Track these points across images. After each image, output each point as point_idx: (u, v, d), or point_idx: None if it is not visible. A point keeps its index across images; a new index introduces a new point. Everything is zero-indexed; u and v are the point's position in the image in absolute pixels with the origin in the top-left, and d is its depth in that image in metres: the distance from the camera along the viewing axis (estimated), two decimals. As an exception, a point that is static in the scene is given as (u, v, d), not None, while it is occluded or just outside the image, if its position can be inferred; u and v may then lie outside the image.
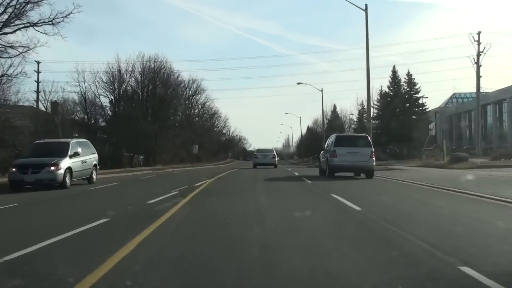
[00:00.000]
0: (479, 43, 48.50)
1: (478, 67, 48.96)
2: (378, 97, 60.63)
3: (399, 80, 60.94)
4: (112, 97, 60.84)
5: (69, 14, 25.79)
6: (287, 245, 6.07)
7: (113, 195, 14.79)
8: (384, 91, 61.23)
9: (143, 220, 8.15)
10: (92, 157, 20.87)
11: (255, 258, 5.40)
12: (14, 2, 25.48)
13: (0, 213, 10.86)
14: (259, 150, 42.96)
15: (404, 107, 59.87)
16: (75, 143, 19.76)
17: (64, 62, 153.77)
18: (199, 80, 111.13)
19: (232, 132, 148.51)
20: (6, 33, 26.03)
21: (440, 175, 21.73)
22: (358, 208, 10.00)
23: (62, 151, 18.56)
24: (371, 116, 60.80)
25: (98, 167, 21.87)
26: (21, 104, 37.48)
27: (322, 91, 63.02)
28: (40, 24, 25.84)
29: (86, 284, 4.27)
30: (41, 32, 25.97)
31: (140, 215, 9.14)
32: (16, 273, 4.76)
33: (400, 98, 59.65)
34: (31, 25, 26.01)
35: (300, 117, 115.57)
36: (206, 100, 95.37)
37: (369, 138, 21.60)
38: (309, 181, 18.39)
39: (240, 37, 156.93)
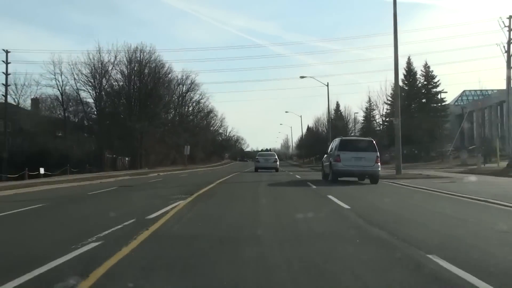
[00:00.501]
0: (510, 29, 41.17)
1: (509, 56, 41.43)
2: (392, 92, 53.63)
3: (415, 73, 54.11)
4: (94, 92, 53.69)
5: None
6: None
7: None
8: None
9: None
10: None
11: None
12: None
13: None
14: (260, 154, 41.07)
15: (420, 103, 53.05)
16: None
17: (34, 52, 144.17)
18: (193, 75, 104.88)
19: (229, 132, 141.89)
20: None
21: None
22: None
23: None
24: (385, 112, 54.15)
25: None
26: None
27: (328, 85, 56.00)
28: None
29: None
30: None
31: None
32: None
33: (416, 93, 52.81)
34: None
35: (301, 116, 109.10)
36: (201, 97, 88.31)
37: (374, 142, 20.26)
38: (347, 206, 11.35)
39: (239, 37, 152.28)
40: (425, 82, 52.75)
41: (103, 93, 54.67)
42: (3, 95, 46.90)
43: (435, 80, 52.55)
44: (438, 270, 4.62)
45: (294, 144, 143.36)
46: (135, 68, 55.54)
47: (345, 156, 19.00)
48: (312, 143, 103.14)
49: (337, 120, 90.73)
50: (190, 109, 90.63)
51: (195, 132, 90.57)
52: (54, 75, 51.51)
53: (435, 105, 51.82)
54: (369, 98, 73.41)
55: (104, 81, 53.74)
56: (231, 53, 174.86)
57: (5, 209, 10.92)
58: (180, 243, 6.19)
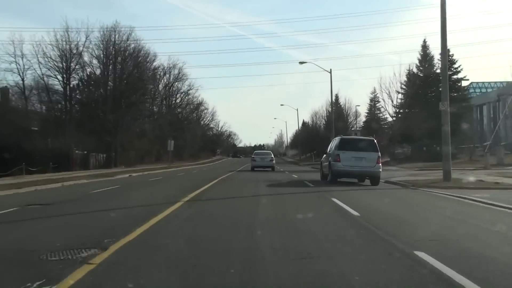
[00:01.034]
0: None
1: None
2: (405, 80, 46.39)
3: (431, 58, 46.85)
4: (62, 79, 45.81)
5: None
6: None
7: None
8: (411, 71, 46.98)
9: None
10: None
11: None
12: None
13: None
14: (256, 153, 40.37)
15: (438, 92, 45.60)
16: None
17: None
18: (180, 63, 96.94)
19: (221, 127, 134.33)
20: None
21: None
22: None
23: None
24: (399, 102, 46.79)
25: None
26: None
27: (331, 72, 48.47)
28: None
29: None
30: None
31: None
32: None
33: (432, 81, 45.44)
34: None
35: (297, 109, 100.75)
36: (189, 87, 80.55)
37: (375, 142, 19.44)
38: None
39: (232, 33, 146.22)
40: (444, 68, 45.12)
41: (74, 80, 46.91)
42: None
43: (456, 66, 45.17)
44: None
45: (289, 139, 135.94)
46: (110, 50, 47.73)
47: (345, 156, 18.30)
48: (309, 138, 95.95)
49: (336, 114, 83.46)
50: (178, 100, 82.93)
51: (183, 126, 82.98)
52: (15, 58, 43.71)
53: (455, 94, 44.48)
54: (374, 89, 66.11)
55: (74, 65, 45.87)
56: (223, 47, 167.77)
57: None
58: None
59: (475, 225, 8.01)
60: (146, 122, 58.59)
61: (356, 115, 76.38)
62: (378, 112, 64.97)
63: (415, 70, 47.60)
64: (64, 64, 45.20)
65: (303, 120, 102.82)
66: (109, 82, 46.98)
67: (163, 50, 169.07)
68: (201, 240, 6.46)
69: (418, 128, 42.12)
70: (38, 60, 43.73)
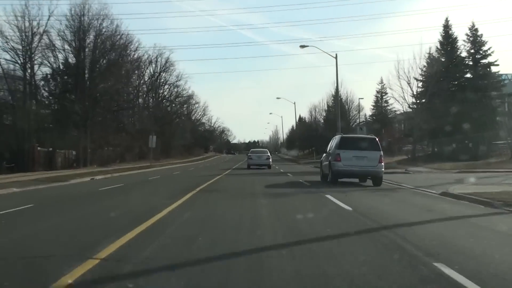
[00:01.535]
0: None
1: None
2: (425, 65, 39.32)
3: (455, 39, 39.79)
4: (21, 62, 38.45)
5: None
6: None
7: None
8: (431, 55, 39.91)
9: None
10: None
11: None
12: None
13: None
14: (253, 151, 39.43)
15: (463, 78, 38.87)
16: None
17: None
18: (167, 52, 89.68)
19: (214, 123, 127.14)
20: None
21: None
22: None
23: None
24: (417, 90, 39.64)
25: None
26: None
27: (336, 57, 41.39)
28: None
29: None
30: None
31: None
32: None
33: (457, 66, 38.58)
34: None
35: (294, 102, 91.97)
36: (178, 79, 73.21)
37: (377, 140, 18.25)
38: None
39: (225, 28, 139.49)
40: (472, 51, 38.26)
41: (41, 66, 39.63)
42: None
43: (485, 48, 38.13)
44: None
45: (285, 135, 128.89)
46: (81, 29, 40.36)
47: (345, 155, 17.35)
48: (307, 134, 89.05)
49: (336, 108, 76.39)
50: (166, 93, 75.61)
51: (171, 120, 75.77)
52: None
53: (485, 82, 37.48)
54: (381, 80, 59.10)
55: (36, 46, 38.51)
56: (215, 42, 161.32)
57: None
58: None
59: None
60: (126, 115, 51.34)
61: (359, 109, 69.47)
62: (386, 105, 58.01)
63: (435, 53, 40.56)
64: (24, 45, 37.86)
65: (299, 116, 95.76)
66: (77, 65, 39.48)
67: (151, 44, 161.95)
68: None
69: (443, 121, 35.18)
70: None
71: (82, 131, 37.29)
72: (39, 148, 37.57)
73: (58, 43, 39.78)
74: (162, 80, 74.10)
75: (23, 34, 37.62)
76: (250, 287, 4.34)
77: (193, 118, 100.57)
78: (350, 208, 10.36)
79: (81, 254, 5.41)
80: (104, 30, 40.71)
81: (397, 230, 7.29)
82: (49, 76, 40.92)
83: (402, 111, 40.24)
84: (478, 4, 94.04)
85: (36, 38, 38.20)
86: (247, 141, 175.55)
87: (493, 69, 38.71)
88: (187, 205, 11.00)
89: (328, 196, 12.74)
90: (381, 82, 57.34)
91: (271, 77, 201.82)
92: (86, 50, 39.56)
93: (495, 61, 38.17)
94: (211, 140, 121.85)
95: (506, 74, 51.58)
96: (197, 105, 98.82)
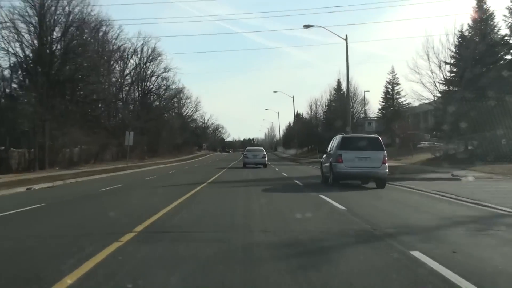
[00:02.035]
0: None
1: None
2: (454, 47, 32.17)
3: (490, 15, 32.68)
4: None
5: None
6: None
7: None
8: (462, 34, 32.71)
9: None
10: None
11: None
12: None
13: None
14: (249, 150, 38.39)
15: (501, 61, 31.74)
16: None
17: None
18: (153, 41, 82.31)
19: (208, 120, 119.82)
20: None
21: None
22: None
23: None
24: (446, 77, 32.29)
25: None
26: None
27: (346, 39, 34.24)
28: None
29: None
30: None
31: None
32: None
33: (492, 47, 31.49)
34: None
35: (293, 96, 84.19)
36: (166, 70, 65.84)
37: (380, 139, 16.94)
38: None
39: (220, 27, 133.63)
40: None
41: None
42: None
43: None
44: None
45: (282, 132, 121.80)
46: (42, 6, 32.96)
47: (347, 156, 16.31)
48: (307, 130, 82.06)
49: (339, 101, 69.34)
50: (153, 85, 68.22)
51: (158, 115, 68.49)
52: None
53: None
54: (393, 68, 52.03)
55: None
56: (210, 40, 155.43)
57: None
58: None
59: None
60: (102, 109, 44.10)
61: (365, 102, 62.37)
62: (398, 97, 50.92)
63: (467, 34, 33.35)
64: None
65: (297, 112, 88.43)
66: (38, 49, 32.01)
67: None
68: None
69: (481, 113, 28.11)
70: None
71: (39, 126, 29.95)
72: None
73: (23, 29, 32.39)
74: (148, 72, 66.89)
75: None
76: None
77: (184, 114, 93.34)
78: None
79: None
80: (71, 10, 33.22)
81: None
82: (12, 64, 33.65)
83: (431, 100, 32.84)
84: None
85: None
86: (241, 138, 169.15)
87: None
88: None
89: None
90: (392, 71, 50.31)
91: (267, 73, 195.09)
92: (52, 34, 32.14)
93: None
94: (204, 137, 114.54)
95: None
96: (188, 100, 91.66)
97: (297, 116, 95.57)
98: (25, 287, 4.33)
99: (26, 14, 32.28)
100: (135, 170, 33.92)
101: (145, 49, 63.39)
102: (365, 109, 62.93)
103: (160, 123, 66.99)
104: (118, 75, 59.84)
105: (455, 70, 31.89)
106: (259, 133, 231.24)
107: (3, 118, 28.96)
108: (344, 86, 68.13)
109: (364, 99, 62.42)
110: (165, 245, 6.30)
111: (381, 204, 11.45)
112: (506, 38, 31.67)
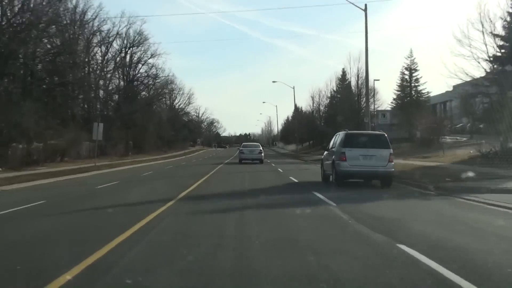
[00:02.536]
0: None
1: None
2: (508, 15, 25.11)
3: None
4: None
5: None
6: None
7: None
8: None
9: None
10: None
11: None
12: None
13: None
14: (245, 145, 37.76)
15: None
16: None
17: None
18: (139, 23, 75.29)
19: (202, 114, 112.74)
20: None
21: None
22: None
23: None
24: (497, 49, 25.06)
25: None
26: None
27: (365, 9, 27.19)
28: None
29: None
30: None
31: None
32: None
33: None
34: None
35: (293, 87, 74.67)
36: (152, 55, 58.73)
37: (386, 136, 15.92)
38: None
39: (217, 22, 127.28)
40: None
41: None
42: None
43: None
44: None
45: (280, 126, 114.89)
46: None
47: (351, 154, 15.29)
48: (309, 126, 75.26)
49: (345, 92, 62.36)
50: (139, 73, 61.09)
51: (147, 107, 61.43)
52: None
53: None
54: (411, 52, 45.04)
55: None
56: (207, 35, 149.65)
57: None
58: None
59: None
60: (68, 96, 37.03)
61: (374, 92, 55.08)
62: (417, 84, 43.95)
63: None
64: None
65: (295, 105, 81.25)
66: None
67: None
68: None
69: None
70: None
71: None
72: None
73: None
74: (135, 59, 59.79)
75: None
76: None
77: (176, 106, 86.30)
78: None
79: None
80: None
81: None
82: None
83: (477, 79, 25.59)
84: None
85: None
86: (238, 134, 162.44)
87: None
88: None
89: None
90: (410, 55, 43.33)
91: (264, 68, 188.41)
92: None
93: None
94: (198, 132, 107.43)
95: None
96: (181, 92, 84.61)
97: (297, 111, 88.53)
98: None
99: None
100: (106, 170, 26.94)
101: (131, 32, 56.44)
102: (374, 99, 55.74)
103: (147, 116, 59.92)
104: (101, 60, 52.89)
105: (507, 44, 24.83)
106: (256, 128, 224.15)
107: None
108: (351, 75, 61.25)
109: (373, 89, 55.27)
110: None
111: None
112: None
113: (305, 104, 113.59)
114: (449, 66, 38.05)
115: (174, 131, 72.54)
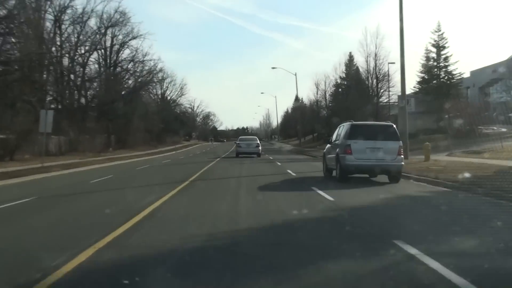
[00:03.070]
0: None
1: None
2: None
3: None
4: None
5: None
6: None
7: None
8: None
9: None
10: None
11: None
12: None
13: None
14: (242, 139, 37.50)
15: None
16: None
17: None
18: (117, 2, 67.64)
19: (197, 107, 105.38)
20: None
21: None
22: None
23: None
24: None
25: None
26: None
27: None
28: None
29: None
30: None
31: None
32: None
33: None
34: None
35: (295, 73, 66.32)
36: (134, 37, 51.17)
37: (395, 128, 14.75)
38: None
39: (214, 16, 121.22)
40: None
41: None
42: None
43: None
44: None
45: (279, 119, 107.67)
46: None
47: (357, 146, 14.12)
48: (312, 118, 68.26)
49: (354, 79, 55.06)
50: (121, 55, 53.60)
51: (132, 96, 54.02)
52: None
53: None
54: (438, 26, 37.57)
55: None
56: (206, 32, 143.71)
57: None
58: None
59: None
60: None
61: (389, 77, 47.40)
62: (446, 63, 36.58)
63: None
64: None
65: (296, 96, 73.52)
66: None
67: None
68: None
69: None
70: None
71: None
72: None
73: None
74: (116, 43, 52.25)
75: None
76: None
77: (168, 98, 78.94)
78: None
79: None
80: None
81: None
82: None
83: None
84: None
85: None
86: (235, 127, 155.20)
87: None
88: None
89: None
90: (438, 29, 35.95)
91: (261, 62, 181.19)
92: None
93: None
94: (192, 125, 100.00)
95: None
96: (172, 83, 77.18)
97: (298, 101, 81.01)
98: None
99: None
100: (55, 173, 19.63)
101: (111, 11, 48.97)
102: (388, 86, 48.27)
103: (132, 106, 52.51)
104: (74, 41, 45.38)
105: None
106: (253, 122, 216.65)
107: None
108: (360, 61, 53.67)
109: (388, 73, 47.82)
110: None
111: None
112: None
113: (305, 96, 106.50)
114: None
115: (163, 124, 65.12)
